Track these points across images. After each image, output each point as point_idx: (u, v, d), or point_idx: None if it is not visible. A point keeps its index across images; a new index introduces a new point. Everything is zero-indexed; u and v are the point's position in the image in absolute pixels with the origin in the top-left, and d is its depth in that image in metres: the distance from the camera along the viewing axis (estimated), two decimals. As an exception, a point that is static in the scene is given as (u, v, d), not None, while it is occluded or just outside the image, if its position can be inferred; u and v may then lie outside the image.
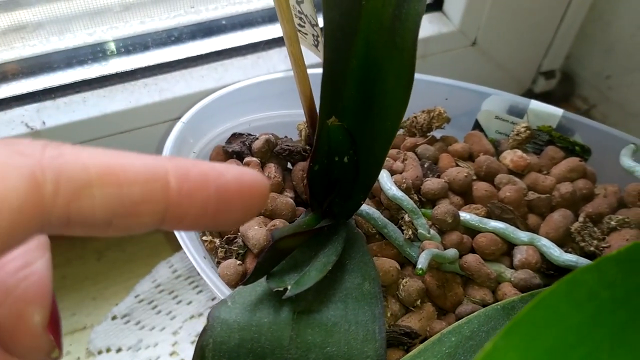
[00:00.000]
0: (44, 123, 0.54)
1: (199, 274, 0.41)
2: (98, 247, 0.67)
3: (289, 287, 0.35)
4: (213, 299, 0.62)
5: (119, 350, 0.59)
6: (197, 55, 0.60)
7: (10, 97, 0.54)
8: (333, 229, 0.41)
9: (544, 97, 0.82)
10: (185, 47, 0.60)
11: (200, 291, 0.62)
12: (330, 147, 0.39)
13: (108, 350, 0.59)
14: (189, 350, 0.57)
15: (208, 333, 0.34)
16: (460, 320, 0.36)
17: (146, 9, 0.59)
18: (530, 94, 0.82)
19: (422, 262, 0.39)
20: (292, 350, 0.34)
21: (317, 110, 0.37)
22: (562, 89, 0.82)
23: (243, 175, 0.21)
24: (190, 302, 0.61)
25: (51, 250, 0.65)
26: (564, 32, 0.74)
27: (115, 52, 0.58)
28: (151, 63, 0.58)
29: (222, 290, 0.38)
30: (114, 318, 0.61)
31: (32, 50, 0.56)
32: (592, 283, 0.23)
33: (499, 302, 0.38)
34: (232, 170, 0.21)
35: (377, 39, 0.35)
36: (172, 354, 0.58)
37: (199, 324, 0.59)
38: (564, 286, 0.22)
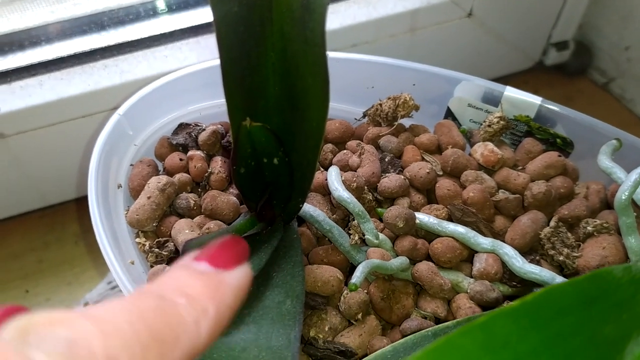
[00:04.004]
0: (-1, 108, 0.52)
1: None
2: (76, 231, 0.66)
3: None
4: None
5: (91, 337, 0.58)
6: (161, 34, 0.56)
7: (-38, 82, 0.53)
8: (268, 235, 0.38)
9: (557, 70, 0.76)
10: (147, 25, 0.56)
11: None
12: (254, 149, 0.35)
13: (80, 337, 0.58)
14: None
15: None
16: (385, 348, 0.32)
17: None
18: (540, 67, 0.75)
19: (358, 276, 0.36)
20: (197, 376, 0.31)
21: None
22: (577, 61, 0.75)
23: None
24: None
25: (30, 233, 0.64)
26: (576, -3, 0.67)
27: (73, 32, 0.55)
28: (111, 43, 0.55)
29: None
30: (85, 304, 0.60)
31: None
32: (470, 348, 0.19)
33: (431, 328, 0.34)
34: None
35: (291, 31, 0.30)
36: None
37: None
38: (429, 355, 0.18)
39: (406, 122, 0.48)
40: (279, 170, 0.36)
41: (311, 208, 0.41)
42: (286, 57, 0.31)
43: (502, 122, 0.44)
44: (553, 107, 0.44)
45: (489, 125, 0.44)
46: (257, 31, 0.30)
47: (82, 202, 0.65)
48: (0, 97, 0.53)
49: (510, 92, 0.45)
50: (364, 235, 0.40)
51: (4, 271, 0.62)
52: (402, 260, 0.39)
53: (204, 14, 0.57)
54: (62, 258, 0.63)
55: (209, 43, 0.57)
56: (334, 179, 0.41)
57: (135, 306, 0.18)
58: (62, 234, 0.65)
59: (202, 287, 0.20)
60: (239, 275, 0.22)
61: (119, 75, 0.54)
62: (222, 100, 0.48)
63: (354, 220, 0.41)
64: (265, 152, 0.35)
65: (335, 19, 0.58)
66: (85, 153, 0.56)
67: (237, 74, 0.31)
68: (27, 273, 0.62)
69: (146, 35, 0.56)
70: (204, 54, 0.56)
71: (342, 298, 0.38)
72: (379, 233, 0.40)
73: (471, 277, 0.40)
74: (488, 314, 0.20)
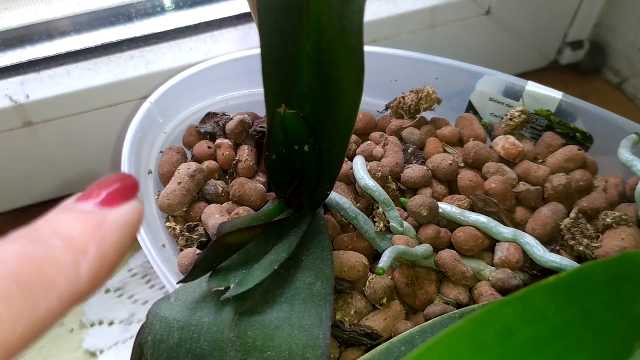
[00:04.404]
0: (27, 96, 0.53)
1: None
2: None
3: (232, 287, 0.33)
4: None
5: (111, 323, 0.59)
6: (186, 27, 0.57)
7: (-7, 70, 0.54)
8: (297, 220, 0.39)
9: (572, 69, 0.77)
10: (173, 17, 0.57)
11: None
12: (287, 136, 0.36)
13: (101, 323, 0.59)
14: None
15: (146, 331, 0.33)
16: (414, 329, 0.33)
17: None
18: (555, 66, 0.76)
19: (385, 261, 0.37)
20: (232, 353, 0.32)
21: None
22: (591, 61, 0.76)
23: None
24: (181, 278, 0.61)
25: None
26: (592, -2, 0.68)
27: (101, 24, 0.56)
28: (137, 34, 0.56)
29: (172, 284, 0.37)
30: (107, 291, 0.61)
31: (15, 21, 0.55)
32: (511, 318, 0.20)
33: (457, 311, 0.35)
34: None
35: (327, 21, 0.31)
36: (160, 330, 0.58)
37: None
38: (472, 324, 0.19)
39: (428, 116, 0.49)
40: (309, 157, 0.37)
41: (337, 196, 0.42)
42: (321, 47, 0.32)
43: (523, 116, 0.45)
44: (574, 102, 0.45)
45: (511, 119, 0.45)
46: (295, 20, 0.31)
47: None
48: (29, 85, 0.54)
49: (532, 87, 0.46)
50: (388, 223, 0.41)
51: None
52: (426, 248, 0.40)
53: (228, 8, 0.59)
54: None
55: (233, 36, 0.58)
56: (359, 168, 0.42)
57: None
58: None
59: (81, 227, 0.19)
60: (126, 212, 0.21)
61: (144, 66, 0.56)
62: (249, 91, 0.50)
63: (378, 208, 0.42)
64: (297, 139, 0.36)
65: (356, 15, 0.59)
66: (114, 142, 0.57)
67: (275, 62, 0.32)
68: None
69: (172, 28, 0.57)
70: (227, 46, 0.57)
71: (367, 283, 0.39)
72: (403, 221, 0.41)
73: (493, 265, 0.41)
74: (526, 289, 0.21)
